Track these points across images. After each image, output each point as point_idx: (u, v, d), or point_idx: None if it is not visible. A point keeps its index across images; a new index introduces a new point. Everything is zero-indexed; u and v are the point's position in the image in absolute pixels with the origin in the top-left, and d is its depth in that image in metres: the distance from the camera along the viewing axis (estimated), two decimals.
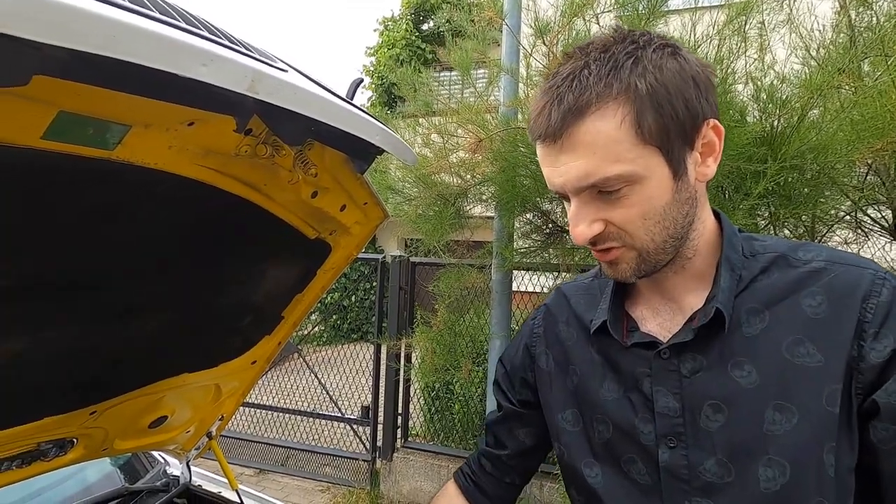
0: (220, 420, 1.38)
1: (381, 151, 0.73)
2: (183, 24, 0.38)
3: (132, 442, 1.21)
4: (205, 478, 1.55)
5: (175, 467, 1.54)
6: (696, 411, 0.58)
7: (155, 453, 1.60)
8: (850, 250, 2.37)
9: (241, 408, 4.13)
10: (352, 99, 0.69)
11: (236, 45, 0.44)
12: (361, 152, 0.73)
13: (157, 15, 0.36)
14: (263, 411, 4.10)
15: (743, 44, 1.89)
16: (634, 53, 0.53)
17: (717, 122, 0.57)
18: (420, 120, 2.74)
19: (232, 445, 3.93)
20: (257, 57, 0.47)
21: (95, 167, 0.58)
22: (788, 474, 0.54)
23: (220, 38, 0.43)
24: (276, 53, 0.56)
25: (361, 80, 0.74)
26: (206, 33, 0.41)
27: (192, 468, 1.50)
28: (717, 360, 0.58)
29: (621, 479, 0.63)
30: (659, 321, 0.64)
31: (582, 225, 0.56)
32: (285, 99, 0.47)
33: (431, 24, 9.57)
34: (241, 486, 1.44)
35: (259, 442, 3.96)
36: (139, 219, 0.72)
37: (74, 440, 1.07)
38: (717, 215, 0.64)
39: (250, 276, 1.02)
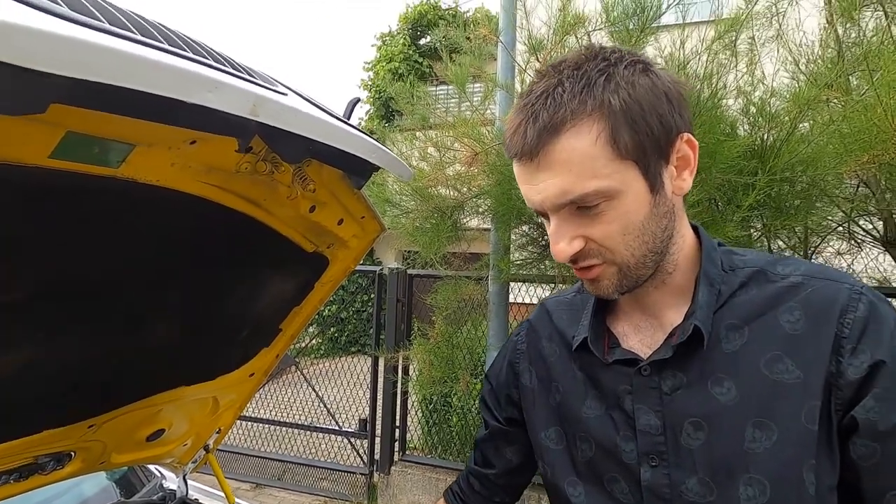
0: (217, 433, 1.38)
1: (377, 168, 0.75)
2: (190, 54, 0.41)
3: (129, 455, 1.22)
4: (202, 492, 1.55)
5: (172, 481, 1.53)
6: (678, 429, 0.58)
7: (151, 467, 1.59)
8: (843, 260, 2.41)
9: (238, 421, 4.10)
10: (349, 118, 0.71)
11: (240, 71, 0.46)
12: (358, 169, 0.75)
13: (166, 46, 0.38)
14: (260, 425, 4.07)
15: (734, 59, 1.93)
16: (606, 70, 0.53)
17: (690, 136, 0.57)
18: (417, 133, 2.77)
19: (228, 459, 3.90)
20: (259, 82, 0.49)
21: (100, 184, 0.60)
22: (769, 493, 0.53)
23: (224, 65, 0.45)
24: (277, 76, 0.59)
25: (358, 100, 0.76)
26: (211, 61, 0.43)
27: (189, 482, 1.50)
28: (698, 378, 0.58)
29: (605, 499, 0.63)
30: (640, 337, 0.64)
31: (562, 242, 0.56)
32: (285, 121, 0.49)
33: (429, 38, 9.69)
34: (237, 500, 1.44)
35: (256, 456, 3.93)
36: (143, 234, 0.74)
37: (72, 453, 1.08)
38: (695, 230, 0.64)
39: (249, 289, 1.03)
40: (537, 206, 0.57)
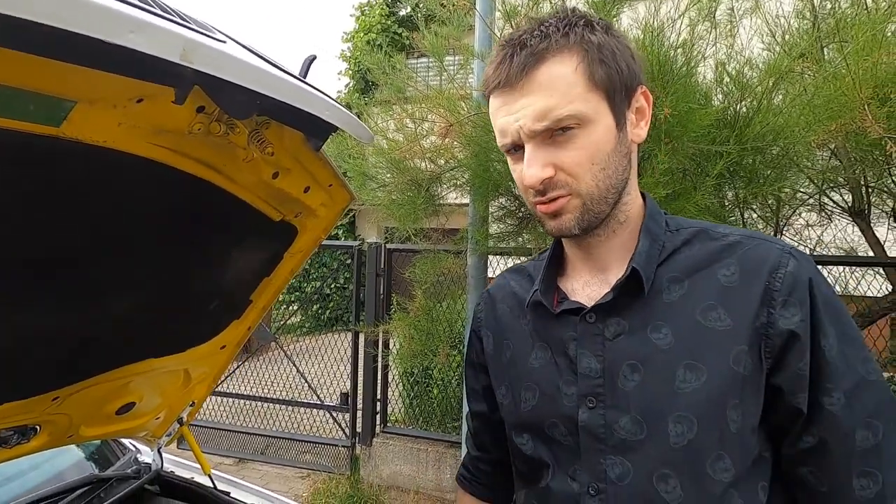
0: (191, 406, 1.38)
1: (334, 128, 0.74)
2: None
3: (99, 429, 1.20)
4: (178, 464, 1.55)
5: (146, 455, 1.53)
6: (616, 372, 0.61)
7: (126, 441, 1.59)
8: (813, 232, 2.46)
9: (220, 398, 4.11)
10: (305, 76, 0.69)
11: (170, 14, 0.44)
12: (314, 129, 0.73)
13: None
14: (243, 401, 4.08)
15: (713, 30, 1.92)
16: (585, 19, 0.60)
17: (646, 88, 0.63)
18: (394, 106, 2.72)
19: (211, 435, 3.91)
20: (192, 27, 0.46)
21: (46, 145, 0.57)
22: (696, 430, 0.57)
23: (150, 6, 0.43)
24: (219, 26, 0.56)
25: (314, 57, 0.74)
26: (135, 1, 0.40)
27: (167, 455, 1.49)
28: (639, 325, 0.61)
29: (548, 443, 0.66)
30: (588, 292, 0.67)
31: (535, 167, 0.59)
32: (223, 69, 0.48)
33: (408, 9, 9.44)
34: (213, 471, 1.44)
35: (239, 431, 3.95)
36: (98, 200, 0.71)
37: (37, 427, 1.06)
38: (643, 197, 0.69)
39: (215, 259, 1.02)
40: (514, 134, 0.60)
